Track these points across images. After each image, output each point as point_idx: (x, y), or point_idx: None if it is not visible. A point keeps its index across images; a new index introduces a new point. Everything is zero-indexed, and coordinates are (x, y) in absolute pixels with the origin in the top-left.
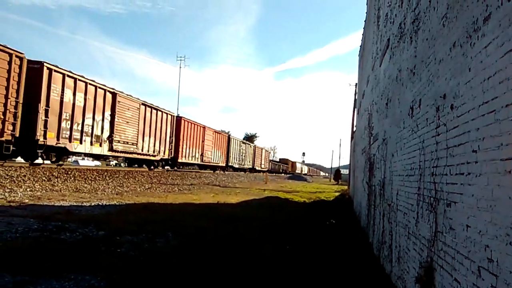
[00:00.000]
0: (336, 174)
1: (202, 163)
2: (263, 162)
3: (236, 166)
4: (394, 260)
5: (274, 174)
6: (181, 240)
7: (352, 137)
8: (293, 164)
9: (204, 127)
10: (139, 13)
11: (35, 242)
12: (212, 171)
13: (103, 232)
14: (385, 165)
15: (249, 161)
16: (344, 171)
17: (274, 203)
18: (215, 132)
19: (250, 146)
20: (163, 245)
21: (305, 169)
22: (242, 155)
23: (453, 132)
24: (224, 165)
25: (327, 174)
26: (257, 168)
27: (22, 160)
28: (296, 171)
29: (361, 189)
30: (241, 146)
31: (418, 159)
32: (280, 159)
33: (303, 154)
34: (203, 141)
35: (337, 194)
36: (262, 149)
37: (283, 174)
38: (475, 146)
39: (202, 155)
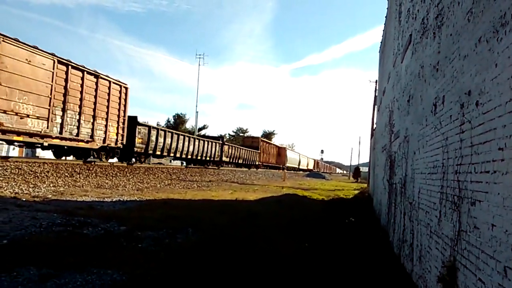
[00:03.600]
0: (355, 171)
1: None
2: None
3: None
4: (415, 259)
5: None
6: (201, 236)
7: (372, 135)
8: (280, 151)
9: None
10: (156, 11)
11: (59, 236)
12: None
13: (125, 227)
14: (406, 163)
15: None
16: (364, 169)
17: (293, 201)
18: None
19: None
20: (184, 240)
21: (307, 162)
22: None
23: (478, 129)
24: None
25: (345, 172)
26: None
27: (45, 156)
28: (288, 164)
29: (381, 187)
30: None
31: (441, 156)
32: (244, 137)
33: (322, 151)
34: None
35: (356, 192)
36: (121, 84)
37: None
38: (502, 144)
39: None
